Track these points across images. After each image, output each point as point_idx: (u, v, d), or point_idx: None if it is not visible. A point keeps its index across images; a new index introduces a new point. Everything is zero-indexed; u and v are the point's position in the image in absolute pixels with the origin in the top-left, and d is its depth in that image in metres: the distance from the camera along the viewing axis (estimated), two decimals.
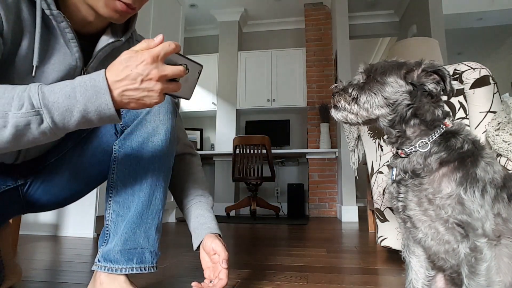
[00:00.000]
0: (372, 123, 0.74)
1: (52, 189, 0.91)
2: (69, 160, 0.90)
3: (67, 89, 0.58)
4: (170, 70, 0.61)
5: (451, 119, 0.71)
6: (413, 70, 0.69)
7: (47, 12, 0.67)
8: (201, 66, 0.67)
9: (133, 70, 0.58)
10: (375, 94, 0.70)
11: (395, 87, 0.69)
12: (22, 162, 0.85)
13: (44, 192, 0.90)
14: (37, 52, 0.68)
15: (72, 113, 0.58)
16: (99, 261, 0.83)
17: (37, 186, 0.89)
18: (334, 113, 0.75)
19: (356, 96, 0.72)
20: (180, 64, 0.63)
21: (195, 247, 0.94)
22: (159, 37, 0.61)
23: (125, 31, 0.83)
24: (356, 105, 0.72)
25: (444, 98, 0.72)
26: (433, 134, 0.69)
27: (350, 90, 0.73)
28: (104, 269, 0.81)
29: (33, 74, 0.68)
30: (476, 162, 0.64)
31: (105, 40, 0.78)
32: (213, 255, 0.90)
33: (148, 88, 0.60)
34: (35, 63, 0.67)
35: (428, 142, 0.68)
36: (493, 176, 0.63)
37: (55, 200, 0.94)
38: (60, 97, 0.57)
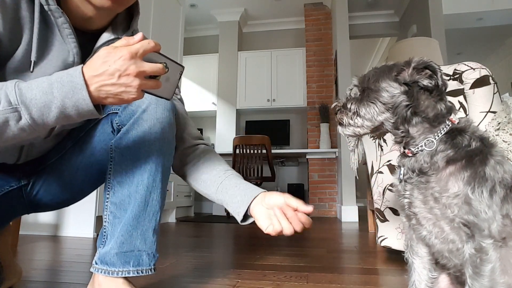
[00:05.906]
0: (380, 129, 0.74)
1: (54, 189, 0.91)
2: (69, 159, 0.90)
3: (44, 85, 0.58)
4: (148, 66, 0.61)
5: (457, 114, 0.70)
6: (403, 70, 0.69)
7: (46, 7, 0.67)
8: (183, 67, 0.68)
9: (111, 65, 0.58)
10: (373, 102, 0.70)
11: (390, 91, 0.69)
12: (24, 162, 0.85)
13: (46, 192, 0.90)
14: (35, 48, 0.67)
15: (50, 109, 0.58)
16: (96, 263, 0.82)
17: (39, 186, 0.89)
18: (341, 130, 0.76)
19: (356, 110, 0.72)
20: (160, 63, 0.63)
21: (243, 212, 0.84)
22: (139, 35, 0.62)
23: (126, 30, 0.83)
24: (359, 118, 0.72)
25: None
26: (438, 132, 0.68)
27: (349, 105, 0.74)
28: (101, 272, 0.81)
29: (31, 69, 0.68)
30: (485, 161, 0.62)
31: (105, 38, 0.78)
32: (276, 207, 0.85)
33: (126, 84, 0.59)
34: (33, 58, 0.67)
35: (434, 140, 0.67)
36: (503, 176, 0.62)
37: (57, 200, 0.93)
38: (38, 93, 0.57)
